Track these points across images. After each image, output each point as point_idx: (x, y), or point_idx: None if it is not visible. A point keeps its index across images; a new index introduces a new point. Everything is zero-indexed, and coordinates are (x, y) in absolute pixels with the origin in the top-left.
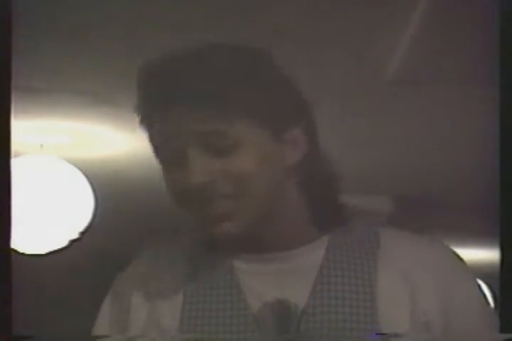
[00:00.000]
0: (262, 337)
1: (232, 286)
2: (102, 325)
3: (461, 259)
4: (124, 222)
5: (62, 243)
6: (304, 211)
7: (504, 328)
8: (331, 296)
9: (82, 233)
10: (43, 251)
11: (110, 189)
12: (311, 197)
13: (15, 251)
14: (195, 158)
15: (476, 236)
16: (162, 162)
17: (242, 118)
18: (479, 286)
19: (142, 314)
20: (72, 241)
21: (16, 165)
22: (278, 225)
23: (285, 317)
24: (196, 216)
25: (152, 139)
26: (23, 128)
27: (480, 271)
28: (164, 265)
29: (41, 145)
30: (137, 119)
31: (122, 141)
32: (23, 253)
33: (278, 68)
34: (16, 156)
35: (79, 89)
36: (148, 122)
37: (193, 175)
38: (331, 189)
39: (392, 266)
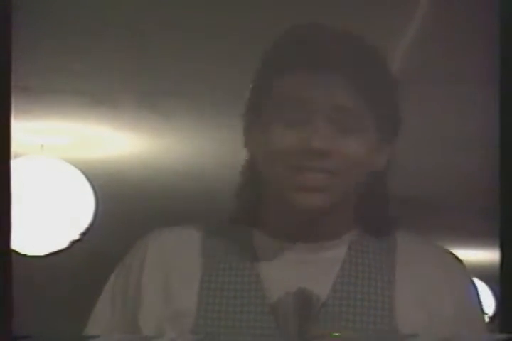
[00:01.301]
0: (279, 328)
1: (252, 274)
2: (106, 301)
3: (460, 261)
4: (124, 223)
5: (62, 244)
6: (352, 207)
7: (504, 328)
8: (351, 290)
9: (83, 234)
10: (43, 252)
11: (110, 190)
12: (363, 199)
13: (15, 252)
14: (323, 126)
15: (476, 236)
16: (286, 120)
17: (368, 109)
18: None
19: (153, 293)
20: (73, 242)
21: (16, 166)
22: (330, 216)
23: (306, 308)
24: (288, 182)
25: (284, 94)
26: (23, 128)
27: (480, 271)
28: (180, 249)
29: (41, 146)
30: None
31: (122, 142)
32: (23, 255)
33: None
34: (16, 157)
35: (79, 89)
36: (286, 77)
37: (316, 139)
38: (381, 197)
39: (408, 268)
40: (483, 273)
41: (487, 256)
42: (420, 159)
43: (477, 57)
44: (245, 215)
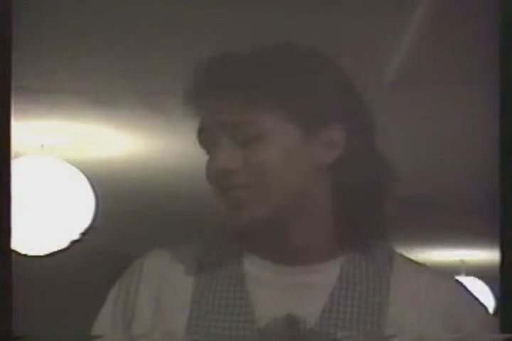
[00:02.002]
0: None
1: (242, 298)
2: (104, 320)
3: (467, 290)
4: (124, 223)
5: (62, 244)
6: (333, 221)
7: (504, 328)
8: (340, 317)
9: (83, 234)
10: (43, 252)
11: (111, 189)
12: (345, 206)
13: (15, 252)
14: (223, 146)
15: (476, 237)
16: (203, 148)
17: (274, 111)
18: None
19: (148, 313)
20: (73, 242)
21: (17, 166)
22: (303, 230)
23: (293, 334)
24: (219, 204)
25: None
26: (23, 128)
27: (480, 271)
28: (173, 268)
29: (42, 146)
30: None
31: (122, 141)
32: (23, 255)
33: (332, 68)
34: (16, 157)
35: (79, 89)
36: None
37: (219, 161)
38: (370, 198)
39: (403, 293)
40: (483, 273)
41: (487, 256)
42: (420, 159)
43: (477, 57)
44: (231, 233)
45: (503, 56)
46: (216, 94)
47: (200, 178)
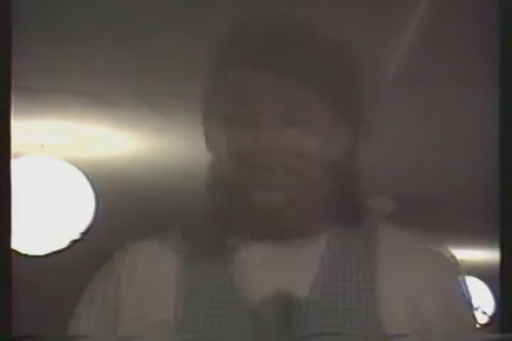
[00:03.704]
0: (260, 333)
1: (230, 281)
2: (84, 317)
3: (447, 253)
4: (124, 223)
5: (62, 243)
6: (321, 200)
7: (504, 328)
8: (332, 286)
9: (83, 233)
10: (43, 252)
11: (111, 189)
12: (333, 189)
13: (15, 251)
14: (269, 123)
15: (476, 236)
16: (235, 124)
17: (322, 98)
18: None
19: (132, 305)
20: (73, 242)
21: (17, 166)
22: (296, 210)
23: (287, 310)
24: (246, 182)
25: (226, 101)
26: (23, 128)
27: (480, 271)
28: (156, 258)
29: (42, 146)
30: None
31: (122, 141)
32: (23, 254)
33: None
34: (16, 157)
35: (79, 89)
36: (228, 83)
37: (263, 139)
38: (353, 187)
39: (391, 260)
40: (483, 273)
41: (487, 256)
42: (420, 159)
43: (477, 57)
44: (216, 215)
45: (503, 55)
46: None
47: (200, 178)
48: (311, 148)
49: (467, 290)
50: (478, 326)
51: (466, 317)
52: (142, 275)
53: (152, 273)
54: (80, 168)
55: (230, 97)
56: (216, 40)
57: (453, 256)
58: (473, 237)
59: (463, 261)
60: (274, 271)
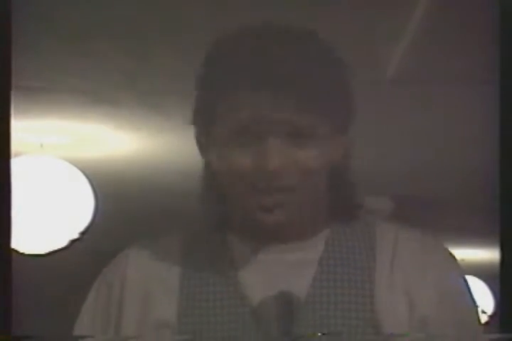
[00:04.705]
0: (262, 332)
1: (230, 281)
2: (89, 318)
3: (451, 253)
4: (124, 223)
5: (62, 243)
6: (321, 202)
7: (504, 328)
8: (331, 286)
9: (82, 233)
10: (43, 251)
11: (110, 189)
12: (333, 190)
13: (15, 251)
14: (276, 145)
15: (476, 236)
16: (236, 146)
17: (317, 112)
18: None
19: (135, 307)
20: (72, 241)
21: (16, 165)
22: (299, 219)
23: (288, 310)
24: (248, 202)
25: (229, 123)
26: (23, 128)
27: (480, 270)
28: (158, 260)
29: (41, 145)
30: (203, 101)
31: (122, 141)
32: (23, 254)
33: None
34: (15, 156)
35: (79, 88)
36: (226, 107)
37: (271, 161)
38: (350, 188)
39: (389, 259)
40: (483, 272)
41: (487, 255)
42: (420, 158)
43: (477, 57)
44: (213, 219)
45: (503, 56)
46: (267, 90)
47: (200, 178)
48: (312, 164)
49: (468, 287)
50: (481, 322)
51: (466, 313)
52: (143, 276)
53: (153, 274)
54: (79, 168)
55: (227, 118)
56: (208, 60)
57: (452, 254)
58: (473, 237)
59: (463, 260)
60: (274, 271)
